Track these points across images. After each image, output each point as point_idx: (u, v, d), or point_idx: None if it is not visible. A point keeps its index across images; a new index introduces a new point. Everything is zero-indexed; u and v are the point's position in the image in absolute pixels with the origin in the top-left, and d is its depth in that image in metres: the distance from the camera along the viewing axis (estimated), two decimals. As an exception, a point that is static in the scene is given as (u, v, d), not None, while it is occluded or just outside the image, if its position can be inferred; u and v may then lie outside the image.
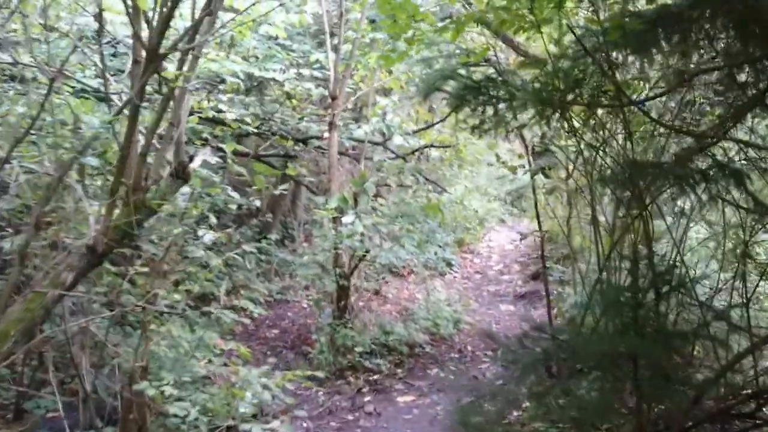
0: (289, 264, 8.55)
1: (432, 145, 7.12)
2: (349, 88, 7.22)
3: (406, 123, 6.39)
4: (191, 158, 3.73)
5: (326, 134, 6.71)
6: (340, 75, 6.71)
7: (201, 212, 5.13)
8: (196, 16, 3.39)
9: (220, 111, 5.62)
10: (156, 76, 3.28)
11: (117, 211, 3.34)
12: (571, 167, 4.32)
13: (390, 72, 8.28)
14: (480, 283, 9.44)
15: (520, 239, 11.52)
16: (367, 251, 6.27)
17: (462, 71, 3.48)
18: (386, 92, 10.60)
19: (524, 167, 5.63)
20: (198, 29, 3.36)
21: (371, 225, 5.68)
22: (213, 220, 5.05)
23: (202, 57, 5.90)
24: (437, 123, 7.17)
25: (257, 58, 7.76)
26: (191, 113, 5.72)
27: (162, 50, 3.16)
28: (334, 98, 6.57)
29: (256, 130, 5.84)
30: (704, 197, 3.01)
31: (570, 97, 2.86)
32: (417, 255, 9.17)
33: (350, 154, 7.51)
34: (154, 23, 3.14)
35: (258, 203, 5.51)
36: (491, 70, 3.59)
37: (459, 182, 12.74)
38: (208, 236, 4.56)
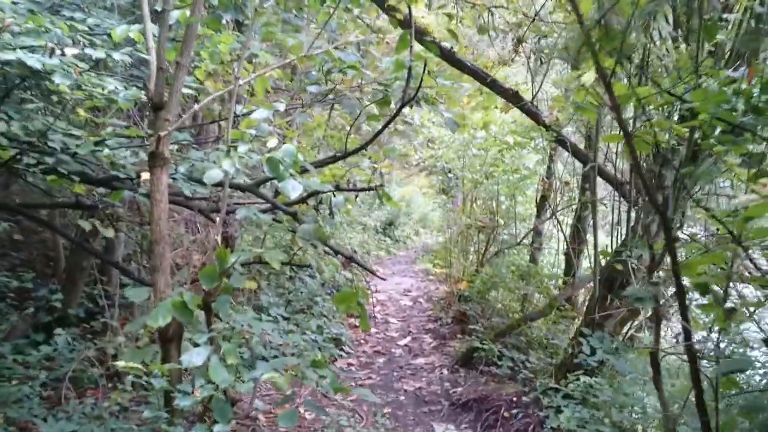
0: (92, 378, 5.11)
1: (338, 189, 4.15)
2: (187, 87, 4.11)
3: (303, 151, 3.37)
4: None
5: (145, 174, 3.55)
6: (168, 65, 3.61)
7: None
8: None
9: None
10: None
11: None
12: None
13: (250, 62, 5.22)
14: (388, 376, 6.56)
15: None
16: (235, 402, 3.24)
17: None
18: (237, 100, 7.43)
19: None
20: None
21: (251, 378, 2.61)
22: None
23: None
24: (365, 145, 4.23)
25: (14, 34, 4.35)
26: None
27: None
28: (158, 107, 3.44)
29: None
30: None
31: None
32: (295, 338, 6.16)
33: (195, 206, 4.32)
34: None
35: None
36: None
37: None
38: None
